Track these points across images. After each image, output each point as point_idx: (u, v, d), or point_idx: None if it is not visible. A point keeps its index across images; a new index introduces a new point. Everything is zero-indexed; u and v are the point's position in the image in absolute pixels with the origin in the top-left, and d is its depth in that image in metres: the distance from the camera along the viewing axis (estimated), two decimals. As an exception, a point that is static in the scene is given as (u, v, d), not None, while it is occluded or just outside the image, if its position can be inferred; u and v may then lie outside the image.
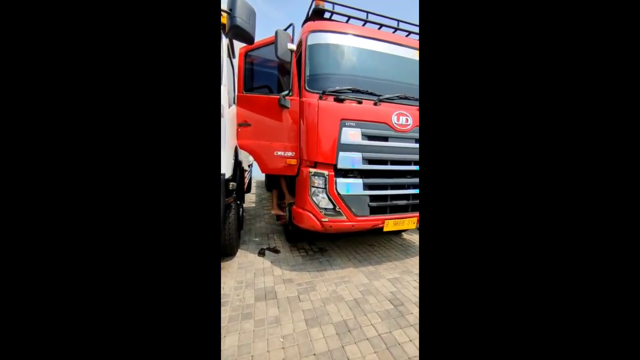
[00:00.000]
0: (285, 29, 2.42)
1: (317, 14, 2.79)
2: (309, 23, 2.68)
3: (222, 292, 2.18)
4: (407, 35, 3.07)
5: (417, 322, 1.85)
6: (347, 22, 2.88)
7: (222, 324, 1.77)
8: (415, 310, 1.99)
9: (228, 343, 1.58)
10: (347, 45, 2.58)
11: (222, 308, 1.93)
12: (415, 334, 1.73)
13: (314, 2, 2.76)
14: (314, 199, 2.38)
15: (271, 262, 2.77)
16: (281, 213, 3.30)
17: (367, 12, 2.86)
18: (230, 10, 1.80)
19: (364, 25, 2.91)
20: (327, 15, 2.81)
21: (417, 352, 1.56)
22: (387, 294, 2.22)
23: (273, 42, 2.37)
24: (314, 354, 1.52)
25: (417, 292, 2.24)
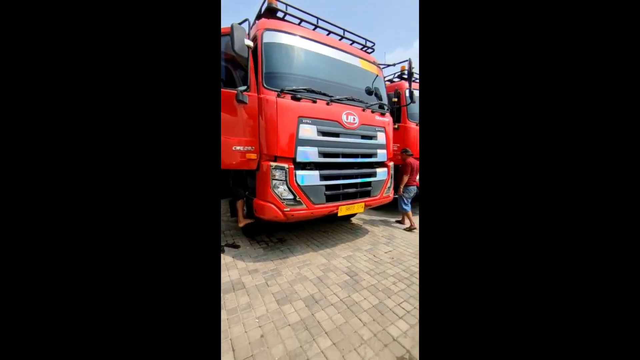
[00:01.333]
0: (240, 24, 2.42)
1: (270, 12, 2.86)
2: (263, 20, 2.74)
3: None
4: (351, 44, 3.47)
5: (369, 285, 2.28)
6: (299, 24, 3.05)
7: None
8: (367, 277, 2.42)
9: (203, 333, 1.61)
10: (303, 47, 2.77)
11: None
12: (367, 293, 2.13)
13: (266, 0, 2.83)
14: (276, 191, 2.53)
15: (233, 257, 2.78)
16: (249, 221, 3.15)
17: (318, 18, 3.10)
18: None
19: (314, 29, 3.15)
20: (279, 14, 2.92)
21: (370, 306, 1.96)
22: (343, 269, 2.59)
23: (226, 35, 2.35)
24: (289, 325, 1.72)
25: (367, 264, 2.70)
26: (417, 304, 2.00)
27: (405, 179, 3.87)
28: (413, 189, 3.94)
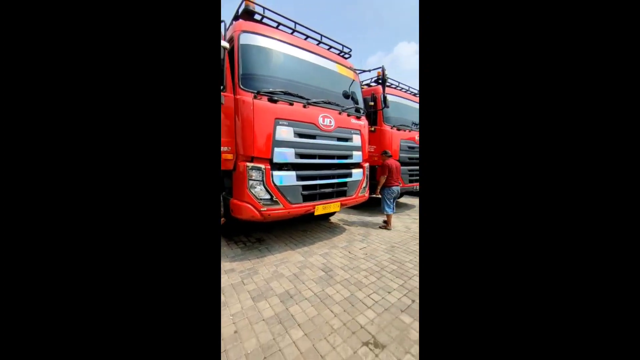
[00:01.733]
0: (216, 25, 2.43)
1: (247, 14, 2.90)
2: (240, 22, 2.77)
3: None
4: (328, 49, 3.59)
5: (343, 279, 2.40)
6: (277, 27, 3.12)
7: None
8: (341, 272, 2.54)
9: (176, 332, 1.63)
10: (280, 50, 2.84)
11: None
12: (340, 287, 2.25)
13: (244, 2, 2.86)
14: (252, 191, 2.57)
15: (208, 258, 2.76)
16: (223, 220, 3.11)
17: (295, 22, 3.19)
18: None
19: (292, 33, 3.22)
20: (257, 17, 2.96)
21: (342, 298, 2.08)
22: (319, 265, 2.69)
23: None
24: (263, 319, 1.78)
25: (342, 260, 2.82)
26: (385, 294, 2.16)
27: (383, 179, 3.96)
28: (395, 190, 3.95)
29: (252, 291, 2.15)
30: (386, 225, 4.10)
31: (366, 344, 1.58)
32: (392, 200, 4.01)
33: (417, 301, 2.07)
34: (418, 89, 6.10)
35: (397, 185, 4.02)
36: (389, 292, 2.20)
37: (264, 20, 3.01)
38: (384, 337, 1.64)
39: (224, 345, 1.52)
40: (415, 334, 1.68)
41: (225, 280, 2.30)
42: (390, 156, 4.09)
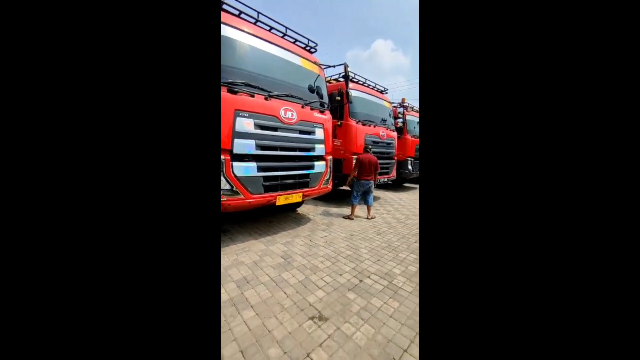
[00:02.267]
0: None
1: (206, 0, 2.80)
2: (197, 7, 2.67)
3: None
4: (293, 42, 3.62)
5: (300, 264, 2.56)
6: (238, 16, 3.06)
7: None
8: (299, 259, 2.70)
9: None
10: (242, 41, 2.81)
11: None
12: (296, 272, 2.41)
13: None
14: (212, 181, 2.58)
15: (167, 249, 2.73)
16: None
17: (258, 12, 3.15)
18: None
19: (255, 23, 3.19)
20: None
21: (296, 282, 2.24)
22: (280, 253, 2.82)
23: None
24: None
25: (303, 248, 2.98)
26: (337, 277, 2.37)
27: (353, 173, 4.19)
28: (364, 183, 4.13)
29: (210, 279, 2.21)
30: (349, 215, 4.35)
31: (312, 318, 1.77)
32: (359, 193, 4.26)
33: (364, 281, 2.32)
34: (382, 87, 6.40)
35: (368, 180, 4.17)
36: (341, 275, 2.41)
37: (225, 7, 2.94)
38: (328, 312, 1.84)
39: (175, 327, 1.58)
40: (356, 307, 1.91)
41: (182, 270, 2.32)
42: (369, 151, 4.25)
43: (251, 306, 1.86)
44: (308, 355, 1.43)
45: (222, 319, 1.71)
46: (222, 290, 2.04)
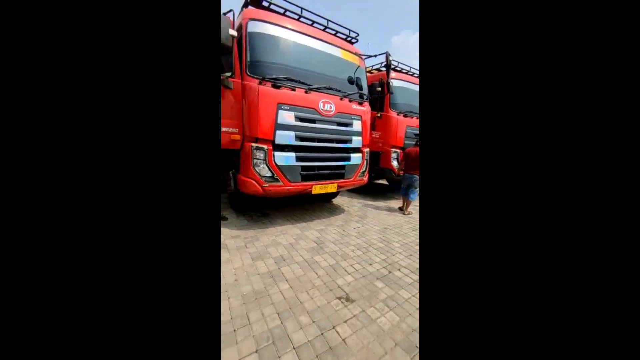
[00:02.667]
0: (225, 14, 2.64)
1: (255, 2, 3.05)
2: (249, 9, 2.94)
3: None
4: (334, 34, 3.66)
5: (332, 250, 2.71)
6: (283, 13, 3.24)
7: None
8: (331, 245, 2.85)
9: (189, 277, 2.04)
10: (285, 38, 3.00)
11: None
12: (328, 256, 2.57)
13: (252, -10, 3.00)
14: (256, 168, 2.88)
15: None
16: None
17: (302, 8, 3.28)
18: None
19: (298, 19, 3.33)
20: (265, 4, 3.11)
21: (327, 265, 2.40)
22: (313, 238, 3.02)
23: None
24: (259, 274, 2.16)
25: (335, 236, 3.12)
26: (366, 265, 2.45)
27: (401, 167, 4.22)
28: (408, 177, 4.11)
29: (253, 253, 2.53)
30: (401, 207, 4.37)
31: (339, 298, 1.90)
32: (405, 187, 4.22)
33: (394, 272, 2.34)
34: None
35: (412, 174, 4.08)
36: (370, 264, 2.48)
37: (272, 7, 3.14)
38: (356, 295, 1.95)
39: (226, 288, 1.91)
40: (383, 295, 1.97)
41: (231, 244, 2.70)
42: (417, 145, 4.16)
43: (286, 280, 2.09)
44: (334, 328, 1.58)
45: (262, 286, 1.98)
46: (263, 264, 2.33)
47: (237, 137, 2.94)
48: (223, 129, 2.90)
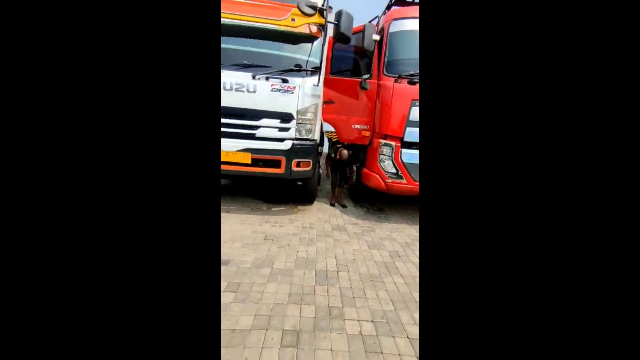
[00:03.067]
0: (370, 21, 2.89)
1: (400, 1, 3.10)
2: (393, 10, 3.05)
3: (308, 223, 3.15)
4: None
5: (455, 262, 2.42)
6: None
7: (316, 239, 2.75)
8: (455, 257, 2.53)
9: (319, 247, 2.54)
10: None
11: (310, 232, 2.88)
12: (450, 267, 2.32)
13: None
14: (382, 164, 3.03)
15: (340, 211, 3.66)
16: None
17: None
18: (337, 22, 2.45)
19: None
20: None
21: (449, 276, 2.18)
22: (433, 244, 2.80)
23: (358, 32, 2.90)
24: (374, 261, 2.33)
25: (460, 248, 2.73)
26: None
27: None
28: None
29: (369, 242, 2.74)
30: None
31: (462, 314, 1.71)
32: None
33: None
34: None
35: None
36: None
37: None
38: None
39: (346, 263, 2.22)
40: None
41: (350, 228, 3.05)
42: None
43: (401, 275, 2.12)
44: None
45: (377, 272, 2.13)
46: (378, 254, 2.47)
47: (367, 133, 3.20)
48: (355, 125, 3.25)
